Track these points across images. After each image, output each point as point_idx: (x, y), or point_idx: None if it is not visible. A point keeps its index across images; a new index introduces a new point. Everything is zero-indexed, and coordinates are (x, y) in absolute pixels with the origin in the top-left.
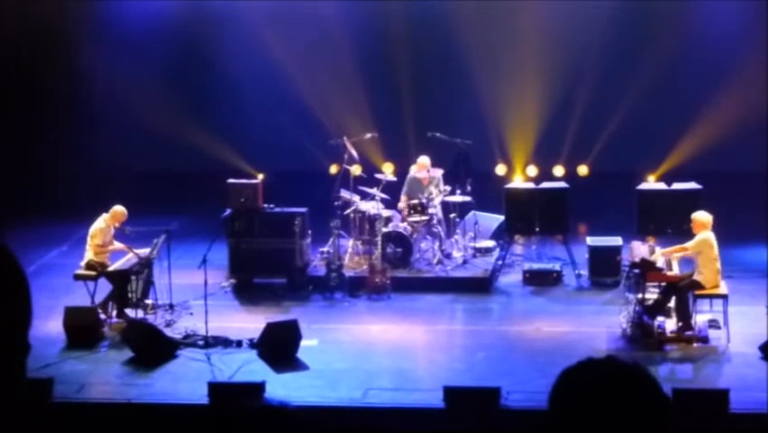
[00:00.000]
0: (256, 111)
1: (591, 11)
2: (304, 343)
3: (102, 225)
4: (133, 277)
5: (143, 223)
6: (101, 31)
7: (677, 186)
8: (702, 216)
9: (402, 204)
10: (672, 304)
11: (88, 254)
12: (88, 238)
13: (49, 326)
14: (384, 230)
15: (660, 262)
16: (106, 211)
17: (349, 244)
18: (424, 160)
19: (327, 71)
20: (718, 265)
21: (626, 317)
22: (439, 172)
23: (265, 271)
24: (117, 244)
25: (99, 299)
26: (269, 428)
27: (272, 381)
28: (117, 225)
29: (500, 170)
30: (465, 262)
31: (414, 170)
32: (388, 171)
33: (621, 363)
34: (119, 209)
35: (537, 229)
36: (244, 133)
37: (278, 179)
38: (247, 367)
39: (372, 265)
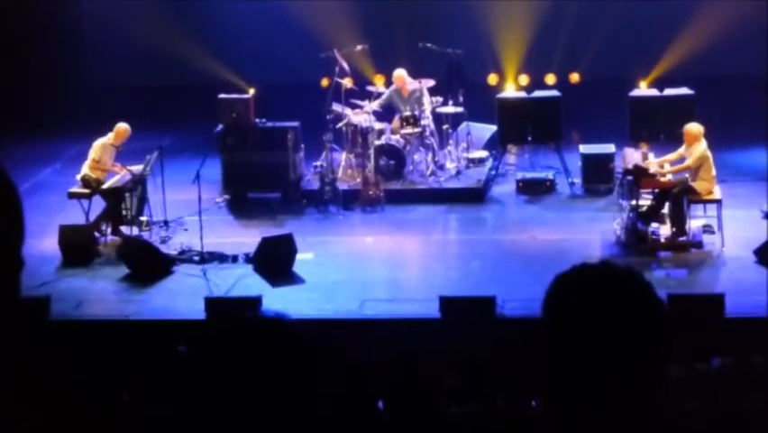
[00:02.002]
0: (246, 25)
1: None
2: (299, 256)
3: (105, 141)
4: (127, 194)
5: (136, 139)
6: None
7: (669, 92)
8: (695, 128)
9: (368, 107)
10: (665, 210)
11: (84, 169)
12: (89, 152)
13: (44, 244)
14: (377, 143)
15: (653, 169)
16: (101, 127)
17: (342, 157)
18: (399, 72)
19: None
20: (714, 173)
21: (619, 223)
22: (424, 84)
23: (259, 185)
24: (114, 165)
25: (94, 216)
26: (267, 340)
27: (268, 295)
28: (118, 143)
29: (492, 79)
30: (458, 172)
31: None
32: (379, 84)
33: (615, 268)
34: (122, 126)
35: (530, 138)
36: (235, 48)
37: (269, 94)
38: (243, 282)
39: (366, 178)
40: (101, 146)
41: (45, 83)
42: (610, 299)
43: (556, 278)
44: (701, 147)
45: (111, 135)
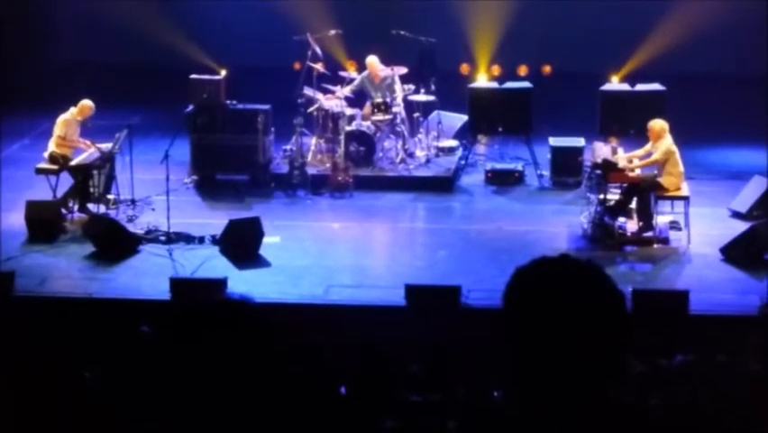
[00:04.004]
0: (219, 5)
1: None
2: (266, 240)
3: (67, 117)
4: (95, 172)
5: (105, 117)
6: None
7: (640, 87)
8: (658, 124)
9: (340, 92)
10: (633, 205)
11: (51, 146)
12: (54, 129)
13: (11, 219)
14: (347, 128)
15: (621, 163)
16: (70, 103)
17: (312, 141)
18: (371, 59)
19: None
20: (682, 169)
21: (587, 217)
22: (396, 71)
23: (227, 167)
24: (81, 141)
25: (61, 193)
26: (231, 322)
27: (234, 277)
28: (82, 118)
29: (464, 69)
30: (428, 161)
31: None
32: (351, 69)
33: (574, 261)
34: (86, 103)
35: (500, 129)
36: (207, 28)
37: (241, 76)
38: (209, 263)
39: (335, 163)
40: (64, 122)
41: (15, 59)
42: (569, 291)
43: (516, 271)
44: (667, 142)
45: (74, 110)
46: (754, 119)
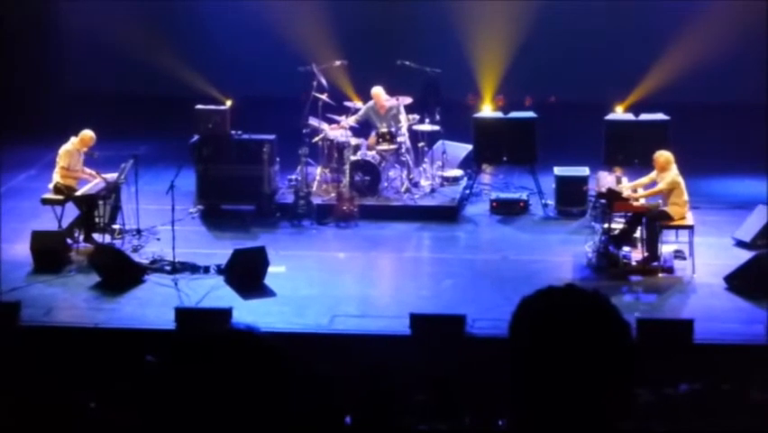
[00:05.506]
0: (225, 36)
1: None
2: (271, 269)
3: (69, 147)
4: (101, 202)
5: (111, 147)
6: None
7: (644, 117)
8: (664, 155)
9: (345, 122)
10: (637, 234)
11: (55, 177)
12: (57, 160)
13: (16, 249)
14: (352, 158)
15: (626, 192)
16: (75, 134)
17: (317, 171)
18: (376, 89)
19: None
20: (687, 198)
21: (591, 246)
22: (401, 101)
23: (233, 197)
24: (85, 170)
25: (66, 223)
26: (237, 352)
27: (239, 307)
28: (85, 149)
29: (470, 99)
30: (433, 190)
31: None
32: (356, 100)
33: (580, 291)
34: (87, 134)
35: (505, 159)
36: (213, 59)
37: (246, 106)
38: (214, 293)
39: (340, 193)
40: (66, 153)
41: (23, 90)
42: (574, 321)
43: (521, 301)
44: (672, 173)
45: (75, 141)
46: (759, 149)
